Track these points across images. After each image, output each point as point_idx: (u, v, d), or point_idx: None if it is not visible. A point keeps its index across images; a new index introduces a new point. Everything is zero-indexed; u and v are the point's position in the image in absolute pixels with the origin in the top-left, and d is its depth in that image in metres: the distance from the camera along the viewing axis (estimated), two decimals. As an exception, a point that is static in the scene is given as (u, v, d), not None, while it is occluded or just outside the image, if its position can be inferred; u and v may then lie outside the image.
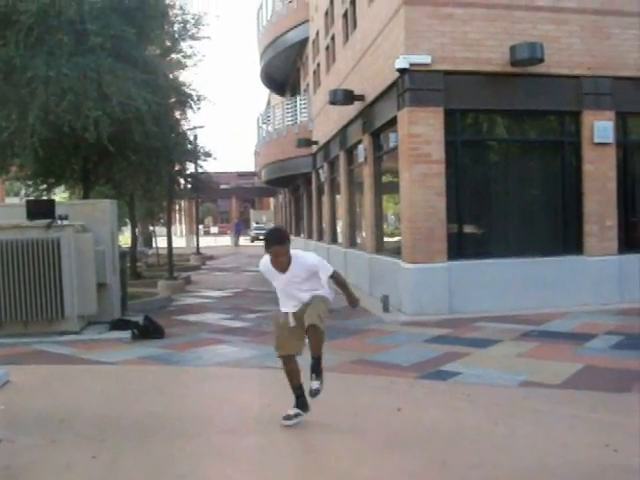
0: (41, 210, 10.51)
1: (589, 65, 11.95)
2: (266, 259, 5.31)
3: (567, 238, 12.32)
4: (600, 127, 12.01)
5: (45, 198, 14.80)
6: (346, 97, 15.07)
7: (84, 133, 11.53)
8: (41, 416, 5.91)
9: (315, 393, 5.23)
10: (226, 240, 59.52)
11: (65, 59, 11.64)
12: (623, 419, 5.50)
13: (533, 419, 5.58)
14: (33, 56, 11.63)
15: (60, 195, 22.42)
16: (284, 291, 5.42)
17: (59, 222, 10.35)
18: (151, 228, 29.97)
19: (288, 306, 5.44)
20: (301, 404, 5.43)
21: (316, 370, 5.25)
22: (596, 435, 5.11)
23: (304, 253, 5.39)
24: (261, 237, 60.02)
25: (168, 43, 15.95)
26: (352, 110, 15.81)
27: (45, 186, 15.67)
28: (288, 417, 5.35)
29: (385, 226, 14.90)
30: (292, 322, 5.38)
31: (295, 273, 5.21)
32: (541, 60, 11.40)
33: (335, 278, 5.48)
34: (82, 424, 5.67)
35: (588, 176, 12.14)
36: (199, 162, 22.76)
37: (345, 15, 17.75)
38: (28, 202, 11.13)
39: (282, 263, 5.13)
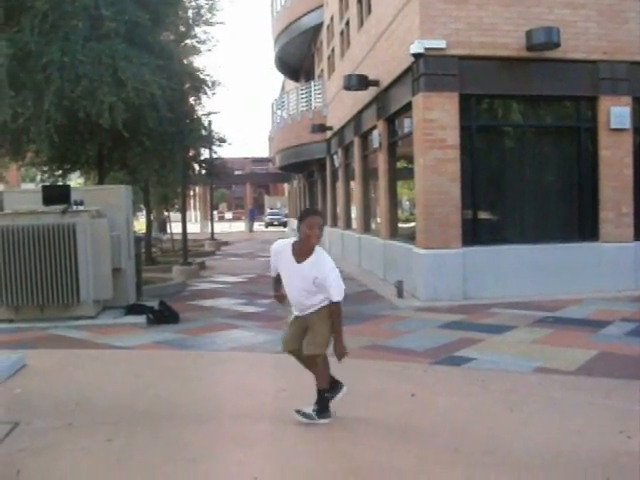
0: (57, 196, 10.58)
1: (605, 50, 11.84)
2: (284, 242, 5.08)
3: (583, 224, 12.26)
4: (616, 113, 11.91)
5: (60, 184, 14.86)
6: (360, 82, 15.02)
7: (99, 119, 11.54)
8: (57, 400, 5.97)
9: (301, 415, 5.04)
10: (240, 226, 59.68)
11: (80, 45, 11.64)
12: (638, 406, 5.48)
13: (547, 405, 5.58)
14: (48, 42, 11.64)
15: (75, 181, 22.54)
16: (289, 285, 5.05)
17: (74, 207, 10.42)
18: (166, 214, 30.07)
19: (293, 303, 5.13)
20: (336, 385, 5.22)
21: (319, 402, 5.08)
22: (610, 422, 5.09)
23: (327, 256, 4.96)
24: (275, 223, 60.68)
25: (182, 28, 15.94)
26: (366, 95, 15.75)
27: (60, 172, 15.73)
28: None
29: (399, 212, 14.87)
30: (291, 320, 5.21)
31: (308, 270, 4.86)
32: (557, 45, 11.31)
33: (335, 308, 4.93)
34: (97, 408, 5.72)
35: (604, 162, 12.05)
36: (213, 148, 22.80)
37: (360, 0, 17.65)
38: (44, 188, 11.19)
39: (311, 238, 4.80)
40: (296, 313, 5.14)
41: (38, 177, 17.62)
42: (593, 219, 12.20)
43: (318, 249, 4.93)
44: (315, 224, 4.83)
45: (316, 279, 4.83)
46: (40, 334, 9.47)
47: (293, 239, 5.04)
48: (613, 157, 12.05)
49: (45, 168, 15.94)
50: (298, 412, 5.07)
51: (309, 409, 5.07)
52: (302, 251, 4.91)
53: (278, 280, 5.22)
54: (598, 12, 11.84)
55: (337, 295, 4.86)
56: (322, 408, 5.09)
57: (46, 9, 11.61)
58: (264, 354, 8.12)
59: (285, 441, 4.87)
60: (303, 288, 4.92)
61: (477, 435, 4.89)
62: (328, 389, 5.13)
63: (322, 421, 5.05)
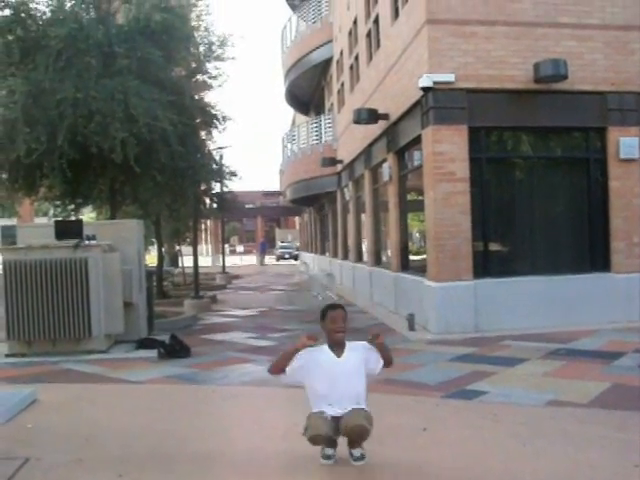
0: (69, 230, 10.66)
1: (613, 81, 11.91)
2: (306, 353, 4.83)
3: (594, 255, 12.23)
4: (626, 143, 11.94)
5: (73, 218, 14.96)
6: (370, 116, 15.12)
7: (111, 154, 11.68)
8: (68, 435, 5.96)
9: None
10: (252, 259, 59.75)
11: (93, 81, 11.84)
12: (652, 439, 5.42)
13: (560, 439, 5.52)
14: (62, 79, 11.83)
15: (88, 215, 22.67)
16: (332, 388, 4.81)
17: (87, 242, 10.49)
18: (177, 247, 30.15)
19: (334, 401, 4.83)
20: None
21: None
22: (625, 456, 5.04)
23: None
24: (286, 256, 60.72)
25: (194, 64, 16.13)
26: (376, 129, 15.86)
27: (73, 206, 15.84)
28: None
29: (410, 244, 14.88)
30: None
31: (351, 358, 4.87)
32: (565, 77, 11.38)
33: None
34: (108, 443, 5.71)
35: (614, 192, 12.06)
36: (224, 182, 22.93)
37: (369, 35, 17.86)
38: (56, 222, 11.29)
39: (337, 332, 4.83)
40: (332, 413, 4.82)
41: (51, 212, 17.80)
42: (604, 250, 12.17)
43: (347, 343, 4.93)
44: (338, 317, 4.85)
45: (364, 353, 4.93)
46: (52, 368, 9.48)
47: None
48: (623, 187, 12.06)
49: (58, 203, 16.07)
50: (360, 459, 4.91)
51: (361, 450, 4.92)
52: (338, 340, 4.89)
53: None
54: (605, 44, 11.93)
55: (381, 362, 5.04)
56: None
57: (60, 47, 11.85)
58: (275, 388, 8.06)
59: (297, 477, 4.84)
60: (351, 375, 4.87)
61: (490, 469, 4.85)
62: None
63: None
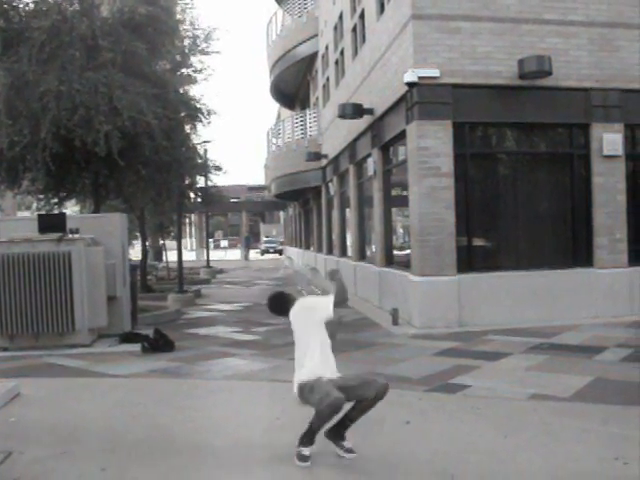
0: (52, 224, 10.60)
1: (597, 78, 11.97)
2: (302, 301, 5.40)
3: (577, 250, 12.30)
4: (609, 139, 12.01)
5: (56, 212, 14.88)
6: (355, 111, 15.12)
7: (95, 147, 11.63)
8: (51, 428, 5.95)
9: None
10: (236, 253, 59.63)
11: (77, 74, 11.76)
12: (633, 432, 5.47)
13: (543, 432, 5.57)
14: (45, 71, 11.76)
15: (71, 209, 22.57)
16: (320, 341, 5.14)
17: (70, 236, 10.44)
18: (161, 241, 30.05)
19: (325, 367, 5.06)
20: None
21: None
22: (606, 448, 5.09)
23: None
24: (271, 250, 60.62)
25: (178, 58, 16.05)
26: (361, 124, 15.86)
27: (56, 200, 15.76)
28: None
29: (394, 239, 14.91)
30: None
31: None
32: (549, 73, 11.43)
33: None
34: (92, 436, 5.70)
35: (597, 188, 12.13)
36: (209, 176, 22.88)
37: (354, 29, 17.85)
38: (40, 216, 11.22)
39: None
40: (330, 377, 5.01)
41: (34, 205, 17.67)
42: (587, 245, 12.24)
43: None
44: None
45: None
46: (35, 362, 9.44)
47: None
48: (606, 183, 12.13)
49: (41, 196, 15.98)
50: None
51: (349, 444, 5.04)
52: None
53: None
54: (589, 41, 11.99)
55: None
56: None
57: (44, 39, 11.75)
58: (259, 382, 8.11)
59: (279, 470, 4.85)
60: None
61: (473, 462, 4.88)
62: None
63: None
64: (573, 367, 8.14)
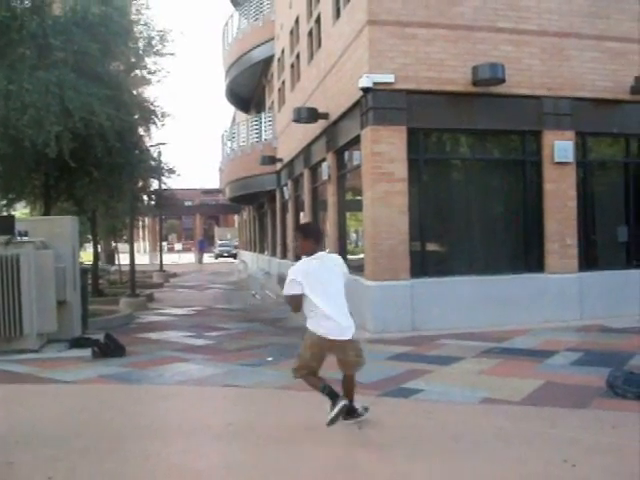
0: (0, 226, 10.36)
1: (549, 86, 12.16)
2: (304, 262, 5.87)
3: (528, 256, 12.46)
4: (560, 147, 12.20)
5: (5, 214, 14.59)
6: (310, 115, 15.12)
7: (45, 148, 11.42)
8: (-3, 436, 5.80)
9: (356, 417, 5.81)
10: (190, 257, 59.22)
11: (27, 73, 11.54)
12: (582, 435, 5.55)
13: (493, 436, 5.61)
14: (-7, 70, 11.52)
15: (20, 211, 22.15)
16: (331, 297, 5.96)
17: (19, 238, 10.21)
18: (114, 245, 29.69)
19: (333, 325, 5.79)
20: (334, 397, 5.62)
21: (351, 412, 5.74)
22: (555, 451, 5.14)
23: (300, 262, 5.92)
24: (225, 254, 60.29)
25: (132, 59, 15.90)
26: (316, 128, 15.87)
27: (5, 202, 15.48)
28: (333, 420, 5.54)
29: (348, 244, 14.93)
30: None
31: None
32: (502, 80, 11.57)
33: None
34: (39, 444, 5.56)
35: (549, 195, 12.31)
36: (163, 179, 22.68)
37: (310, 34, 17.86)
38: (-13, 218, 10.96)
39: (297, 248, 5.66)
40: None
41: (-19, 207, 17.28)
42: (539, 251, 12.41)
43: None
44: (295, 237, 5.52)
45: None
46: (-20, 368, 9.21)
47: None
48: (557, 190, 12.31)
49: (-11, 198, 15.67)
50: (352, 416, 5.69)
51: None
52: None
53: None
54: (541, 50, 12.17)
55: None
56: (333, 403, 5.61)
57: (-8, 37, 11.51)
58: (212, 387, 8.02)
59: (230, 476, 4.80)
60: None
61: (421, 466, 4.89)
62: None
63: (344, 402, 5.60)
64: (524, 371, 8.22)
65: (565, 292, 12.13)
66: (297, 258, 5.81)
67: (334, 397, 5.54)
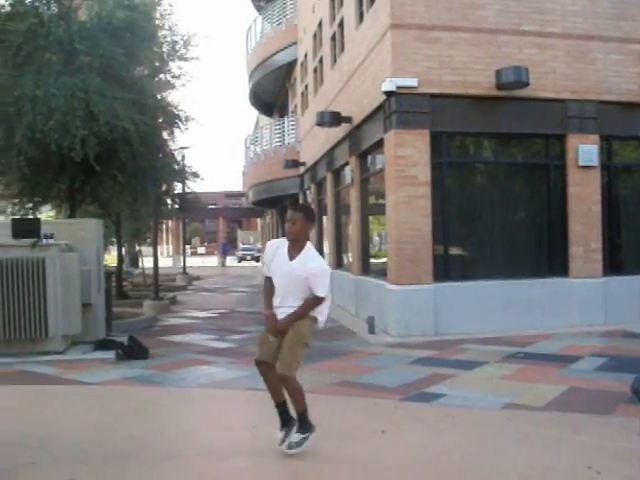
0: (27, 229, 10.46)
1: (574, 89, 12.08)
2: (277, 240, 5.36)
3: (552, 260, 12.38)
4: (585, 150, 12.12)
5: (31, 217, 14.73)
6: (333, 119, 15.13)
7: (71, 152, 11.52)
8: (21, 438, 5.85)
9: (295, 446, 5.06)
10: (213, 260, 59.42)
11: (53, 78, 11.67)
12: (606, 442, 5.50)
13: (517, 441, 5.58)
14: (21, 75, 11.66)
15: (46, 214, 22.34)
16: (282, 288, 5.16)
17: (44, 241, 10.31)
18: (137, 248, 29.85)
19: (277, 309, 5.21)
20: (285, 421, 5.21)
21: (301, 427, 5.13)
22: (579, 457, 5.11)
23: (317, 255, 5.30)
24: (248, 257, 60.45)
25: (157, 63, 15.98)
26: (339, 132, 15.88)
27: (31, 205, 15.61)
28: (283, 442, 5.14)
29: (371, 247, 14.92)
30: (272, 339, 5.18)
31: (299, 267, 5.06)
32: (526, 84, 11.52)
33: (314, 300, 5.13)
34: (63, 446, 5.62)
35: (573, 199, 12.23)
36: (186, 182, 22.77)
37: (333, 38, 17.88)
38: (14, 221, 11.08)
39: (291, 233, 5.10)
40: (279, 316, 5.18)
41: (8, 210, 17.45)
42: (563, 255, 12.33)
43: (308, 245, 5.17)
44: (291, 219, 5.06)
45: (306, 272, 5.01)
46: (6, 370, 9.29)
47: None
48: (582, 194, 12.23)
49: (15, 201, 15.81)
50: (290, 447, 5.05)
51: (297, 437, 5.05)
52: (292, 249, 5.16)
53: (271, 287, 5.27)
54: (566, 52, 12.10)
55: (321, 292, 5.08)
56: (305, 426, 5.11)
57: (20, 42, 11.66)
58: (235, 390, 8.04)
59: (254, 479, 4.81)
60: (296, 282, 5.07)
61: (447, 472, 4.88)
62: (306, 408, 5.11)
63: (311, 435, 5.11)
64: (547, 376, 8.17)
65: (589, 297, 12.04)
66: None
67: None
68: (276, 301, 5.21)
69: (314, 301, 5.09)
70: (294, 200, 6.06)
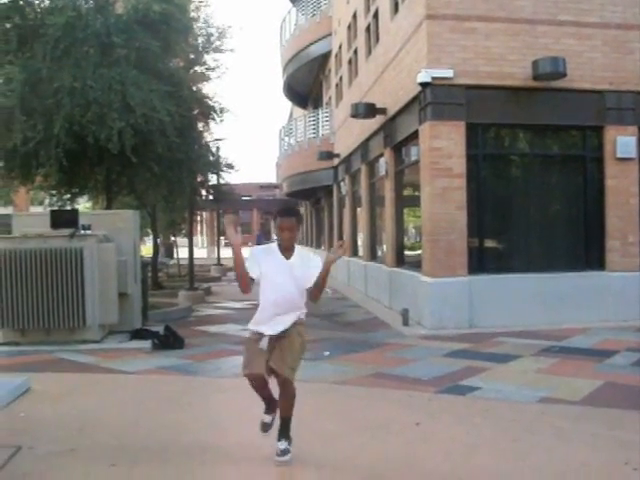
0: (65, 220, 10.64)
1: (611, 80, 11.91)
2: (262, 247, 4.99)
3: (589, 253, 12.25)
4: (623, 142, 11.95)
5: (69, 208, 14.95)
6: (368, 110, 15.10)
7: (108, 144, 11.66)
8: (60, 424, 5.97)
9: (283, 453, 4.85)
10: (247, 251, 59.61)
11: (91, 71, 11.81)
12: (643, 437, 5.45)
13: (552, 436, 5.54)
14: (59, 68, 11.81)
15: (83, 205, 22.65)
16: (275, 297, 4.76)
17: (82, 232, 10.48)
18: (173, 238, 30.12)
19: (268, 323, 4.82)
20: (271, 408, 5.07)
21: (283, 433, 4.93)
22: (615, 453, 5.06)
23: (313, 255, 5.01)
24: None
25: (192, 56, 16.11)
26: (374, 123, 15.85)
27: (69, 196, 15.82)
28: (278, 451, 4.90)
29: (406, 239, 14.89)
30: (265, 346, 4.81)
31: (296, 269, 4.74)
32: (563, 75, 11.38)
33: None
34: (101, 433, 5.72)
35: (610, 191, 12.07)
36: (221, 174, 22.89)
37: (368, 29, 17.83)
38: (52, 212, 11.26)
39: (286, 241, 4.74)
40: (271, 333, 4.80)
41: (47, 201, 17.72)
42: (599, 248, 12.19)
43: (297, 245, 4.88)
44: (284, 227, 4.73)
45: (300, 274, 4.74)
46: (45, 357, 9.48)
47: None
48: (619, 186, 12.07)
49: (54, 192, 16.04)
50: (280, 455, 4.88)
51: (284, 444, 4.89)
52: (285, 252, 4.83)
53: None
54: (604, 42, 11.93)
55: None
56: (289, 432, 4.95)
57: (58, 36, 11.81)
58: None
59: (289, 471, 4.85)
60: (293, 287, 4.76)
61: (481, 465, 4.87)
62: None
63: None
64: (583, 371, 8.10)
65: (626, 291, 11.89)
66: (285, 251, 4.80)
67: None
68: (270, 311, 4.83)
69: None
70: (287, 207, 5.59)
